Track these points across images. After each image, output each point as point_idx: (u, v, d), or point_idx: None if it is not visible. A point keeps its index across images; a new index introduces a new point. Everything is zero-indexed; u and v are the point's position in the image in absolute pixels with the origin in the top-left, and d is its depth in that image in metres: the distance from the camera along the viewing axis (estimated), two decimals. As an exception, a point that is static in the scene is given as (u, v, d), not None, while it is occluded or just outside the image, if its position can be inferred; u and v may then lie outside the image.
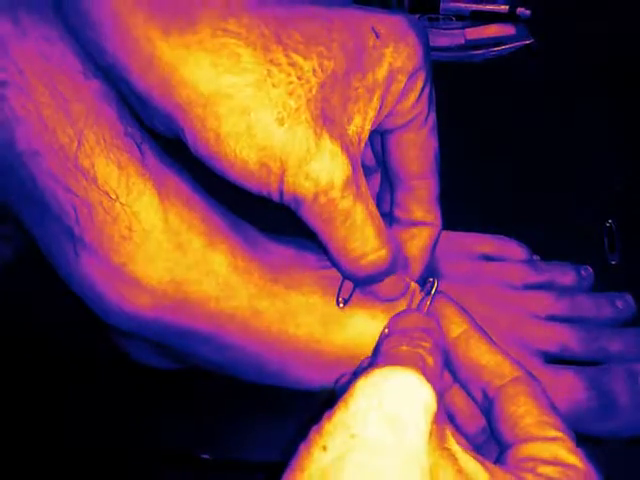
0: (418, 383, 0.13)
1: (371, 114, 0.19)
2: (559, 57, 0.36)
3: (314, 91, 0.18)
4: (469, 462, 0.14)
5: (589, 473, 0.15)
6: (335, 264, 0.21)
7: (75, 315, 0.24)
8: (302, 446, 0.13)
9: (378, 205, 0.20)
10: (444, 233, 0.24)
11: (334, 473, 0.12)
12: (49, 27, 0.19)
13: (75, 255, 0.21)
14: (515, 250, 0.28)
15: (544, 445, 0.16)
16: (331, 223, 0.19)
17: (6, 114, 0.19)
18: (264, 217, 0.24)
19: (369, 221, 0.19)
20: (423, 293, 0.23)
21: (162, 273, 0.21)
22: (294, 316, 0.23)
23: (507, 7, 0.37)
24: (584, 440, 0.17)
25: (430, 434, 0.13)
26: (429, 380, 0.14)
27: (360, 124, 0.19)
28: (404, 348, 0.18)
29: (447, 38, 0.37)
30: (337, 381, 0.22)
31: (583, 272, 0.27)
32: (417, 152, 0.22)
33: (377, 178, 0.25)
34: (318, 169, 0.18)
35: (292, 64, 0.18)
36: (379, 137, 0.23)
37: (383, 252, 0.20)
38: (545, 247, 0.28)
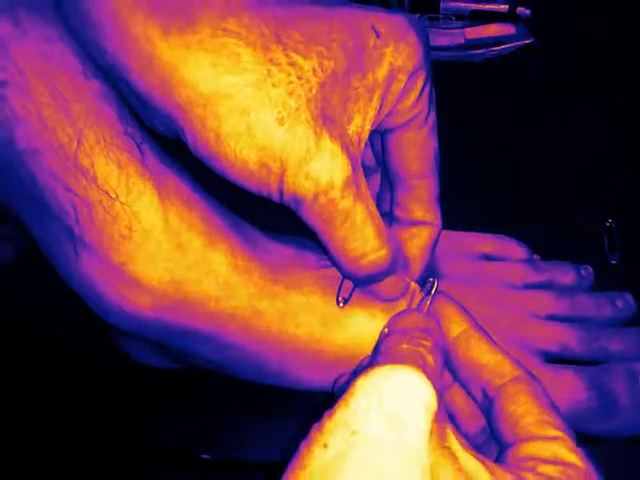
0: (419, 381, 0.13)
1: (371, 114, 0.19)
2: (559, 57, 0.36)
3: (314, 91, 0.18)
4: (469, 461, 0.14)
5: (589, 472, 0.15)
6: (335, 264, 0.21)
7: (75, 315, 0.24)
8: (303, 444, 0.13)
9: (378, 205, 0.20)
10: (444, 233, 0.24)
11: (335, 471, 0.12)
12: (49, 27, 0.19)
13: (75, 255, 0.21)
14: (515, 250, 0.28)
15: (544, 444, 0.16)
16: (331, 223, 0.19)
17: (6, 114, 0.19)
18: (264, 217, 0.24)
19: (369, 221, 0.19)
20: (423, 293, 0.23)
21: (162, 273, 0.21)
22: (294, 316, 0.23)
23: (507, 7, 0.37)
24: (584, 440, 0.17)
25: (431, 433, 0.13)
26: (429, 379, 0.14)
27: (360, 124, 0.19)
28: (405, 347, 0.18)
29: (447, 37, 0.37)
30: (336, 381, 0.22)
31: (583, 272, 0.27)
32: (417, 151, 0.21)
33: (377, 178, 0.25)
34: (318, 169, 0.18)
35: (292, 64, 0.18)
36: (379, 137, 0.23)
37: (383, 252, 0.20)
38: (545, 247, 0.28)
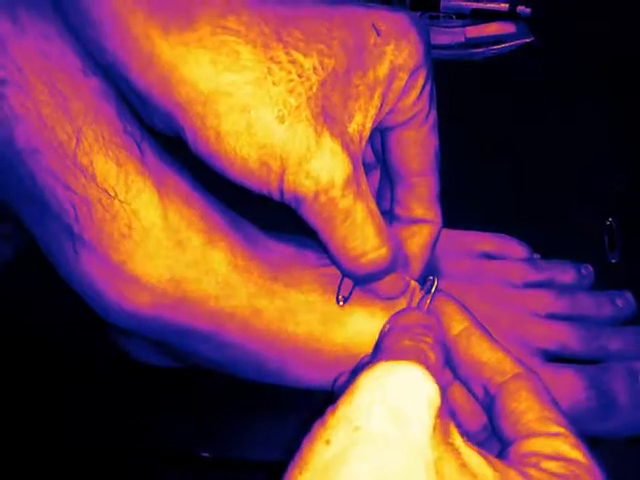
0: (422, 377, 0.13)
1: (372, 112, 0.19)
2: (560, 55, 0.36)
3: (314, 89, 0.18)
4: (473, 456, 0.14)
5: (592, 468, 0.15)
6: (335, 262, 0.21)
7: (75, 313, 0.24)
8: (305, 441, 0.13)
9: (378, 202, 0.20)
10: (444, 231, 0.24)
11: (337, 467, 0.12)
12: (48, 25, 0.19)
13: (74, 253, 0.21)
14: (515, 248, 0.28)
15: (546, 441, 0.16)
16: (331, 222, 0.19)
17: (5, 112, 0.19)
18: (264, 215, 0.24)
19: (369, 220, 0.19)
20: (423, 291, 0.23)
21: (161, 271, 0.21)
22: (294, 314, 0.23)
23: (507, 5, 0.37)
24: (584, 439, 0.17)
25: (434, 428, 0.13)
26: (432, 375, 0.14)
27: (361, 122, 0.19)
28: (407, 343, 0.18)
29: (447, 36, 0.37)
30: (335, 380, 0.22)
31: (583, 270, 0.27)
32: (417, 150, 0.21)
33: (376, 175, 0.25)
34: (319, 167, 0.18)
35: (292, 62, 0.18)
36: (379, 135, 0.22)
37: (383, 251, 0.20)
38: (545, 245, 0.28)
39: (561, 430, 0.16)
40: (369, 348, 0.21)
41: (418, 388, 0.13)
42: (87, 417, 0.26)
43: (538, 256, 0.28)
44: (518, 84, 0.35)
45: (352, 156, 0.19)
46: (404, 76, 0.19)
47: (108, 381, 0.26)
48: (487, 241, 0.28)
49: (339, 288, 0.23)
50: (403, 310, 0.21)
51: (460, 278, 0.26)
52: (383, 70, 0.19)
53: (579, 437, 0.16)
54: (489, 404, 0.19)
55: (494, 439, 0.19)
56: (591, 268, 0.27)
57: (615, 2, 0.38)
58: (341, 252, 0.20)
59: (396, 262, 0.21)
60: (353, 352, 0.23)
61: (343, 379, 0.22)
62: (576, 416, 0.22)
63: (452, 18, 0.38)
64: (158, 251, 0.21)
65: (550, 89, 0.35)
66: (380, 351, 0.18)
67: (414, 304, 0.23)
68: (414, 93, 0.20)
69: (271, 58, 0.17)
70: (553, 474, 0.15)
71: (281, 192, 0.18)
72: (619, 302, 0.26)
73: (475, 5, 0.37)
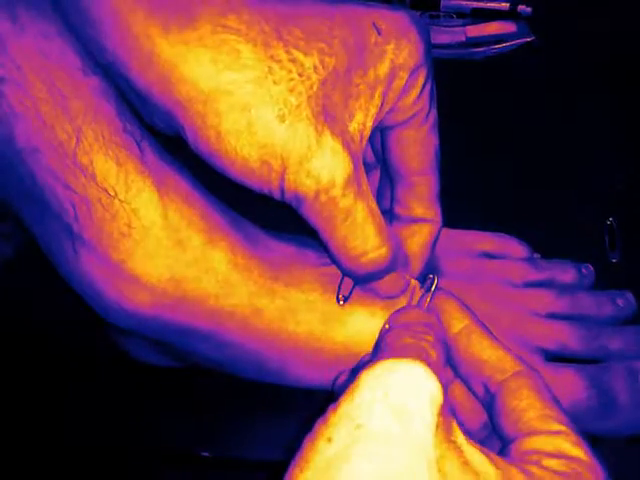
0: (424, 375, 0.13)
1: (372, 111, 0.19)
2: (560, 55, 0.36)
3: (315, 88, 0.18)
4: (475, 454, 0.14)
5: (593, 465, 0.15)
6: (335, 262, 0.21)
7: (75, 313, 0.24)
8: (307, 438, 0.13)
9: (378, 202, 0.20)
10: (445, 231, 0.24)
11: (339, 464, 0.12)
12: (47, 23, 0.19)
13: (74, 252, 0.21)
14: (516, 248, 0.28)
15: (548, 438, 0.16)
16: (332, 221, 0.19)
17: (4, 110, 0.19)
18: (264, 214, 0.23)
19: (370, 219, 0.19)
20: (423, 290, 0.23)
21: (161, 270, 0.21)
22: (294, 313, 0.22)
23: (508, 4, 0.37)
24: (585, 437, 0.17)
25: (437, 426, 0.13)
26: (434, 373, 0.14)
27: (362, 121, 0.19)
28: (408, 340, 0.18)
29: (448, 35, 0.37)
30: (336, 379, 0.22)
31: (584, 270, 0.27)
32: (418, 149, 0.21)
33: (376, 174, 0.25)
34: (319, 167, 0.18)
35: (293, 60, 0.18)
36: (379, 134, 0.22)
37: (383, 250, 0.20)
38: (546, 245, 0.28)
39: (562, 428, 0.16)
40: (369, 347, 0.21)
41: (420, 385, 0.13)
42: (87, 417, 0.26)
43: (538, 255, 0.28)
44: (518, 83, 0.35)
45: (353, 155, 0.19)
46: (404, 75, 0.19)
47: (108, 380, 0.26)
48: (487, 240, 0.28)
49: (339, 287, 0.23)
50: (403, 308, 0.21)
51: (460, 277, 0.26)
52: (384, 69, 0.19)
53: (580, 435, 0.16)
54: (490, 402, 0.19)
55: (494, 437, 0.19)
56: (591, 268, 0.27)
57: (615, 2, 0.38)
58: (341, 251, 0.20)
59: (396, 261, 0.21)
60: (353, 351, 0.22)
61: (343, 378, 0.22)
62: (576, 415, 0.22)
63: (452, 17, 0.38)
64: (158, 250, 0.21)
65: (551, 89, 0.35)
66: (381, 349, 0.18)
67: (414, 302, 0.23)
68: (414, 92, 0.20)
69: (272, 57, 0.17)
70: (555, 472, 0.15)
71: (282, 191, 0.18)
72: (619, 302, 0.26)
73: (475, 4, 0.37)
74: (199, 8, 0.17)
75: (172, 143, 0.20)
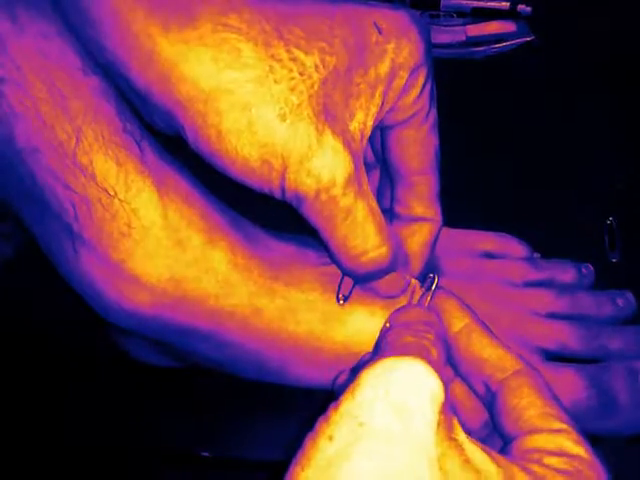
0: (425, 373, 0.13)
1: (373, 110, 0.19)
2: (560, 54, 0.36)
3: (316, 87, 0.18)
4: (476, 452, 0.14)
5: (594, 464, 0.15)
6: (335, 261, 0.21)
7: (75, 313, 0.23)
8: (308, 437, 0.13)
9: (378, 201, 0.20)
10: (445, 230, 0.24)
11: (340, 463, 0.12)
12: (47, 23, 0.19)
13: (74, 252, 0.21)
14: (516, 248, 0.28)
15: (549, 437, 0.16)
16: (332, 220, 0.19)
17: (4, 111, 0.19)
18: (264, 214, 0.23)
19: (370, 218, 0.19)
20: (423, 289, 0.23)
21: (161, 270, 0.21)
22: (294, 313, 0.22)
23: (508, 4, 0.37)
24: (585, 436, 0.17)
25: (438, 424, 0.13)
26: (435, 371, 0.14)
27: (362, 120, 0.19)
28: (409, 339, 0.18)
29: (448, 35, 0.37)
30: (336, 378, 0.22)
31: (584, 270, 0.27)
32: (418, 149, 0.21)
33: (376, 174, 0.25)
34: (320, 166, 0.18)
35: (294, 60, 0.18)
36: (379, 133, 0.22)
37: (384, 250, 0.20)
38: (546, 245, 0.28)
39: (563, 426, 0.16)
40: (369, 347, 0.21)
41: (422, 384, 0.13)
42: (87, 417, 0.26)
43: (538, 255, 0.28)
44: (518, 83, 0.35)
45: (353, 154, 0.18)
46: (405, 74, 0.19)
47: (108, 380, 0.26)
48: (487, 240, 0.28)
49: (339, 287, 0.23)
50: (403, 307, 0.21)
51: (460, 277, 0.26)
52: (384, 68, 0.19)
53: (581, 433, 0.16)
54: (490, 401, 0.19)
55: (495, 436, 0.19)
56: (591, 267, 0.27)
57: (615, 2, 0.38)
58: (342, 251, 0.20)
59: (396, 261, 0.21)
60: (353, 351, 0.22)
61: (343, 378, 0.22)
62: (576, 415, 0.22)
63: (452, 17, 0.38)
64: (158, 250, 0.21)
65: (551, 88, 0.35)
66: (382, 348, 0.18)
67: (414, 302, 0.23)
68: (414, 92, 0.20)
69: (272, 56, 0.17)
70: (556, 470, 0.15)
71: (282, 190, 0.18)
72: (619, 301, 0.26)
73: (476, 4, 0.37)
74: (199, 7, 0.17)
75: (172, 143, 0.20)
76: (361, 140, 0.19)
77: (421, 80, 0.20)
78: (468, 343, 0.20)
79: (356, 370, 0.14)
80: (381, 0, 0.21)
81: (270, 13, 0.18)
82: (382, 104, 0.19)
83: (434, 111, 0.21)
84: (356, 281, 0.22)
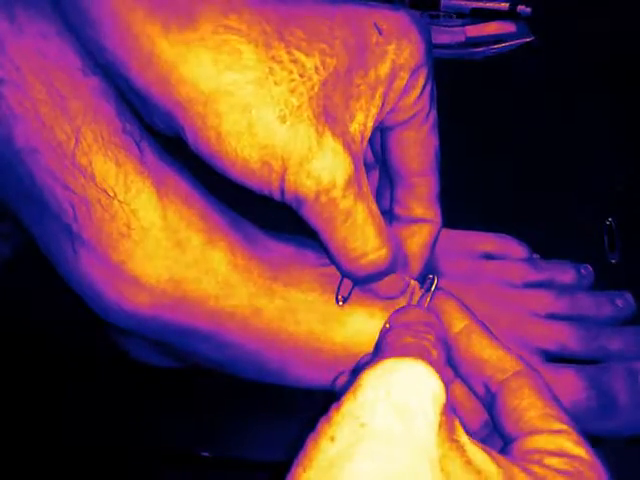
0: (426, 373, 0.13)
1: (373, 111, 0.19)
2: (560, 55, 0.36)
3: (316, 88, 0.18)
4: (477, 453, 0.14)
5: (595, 464, 0.16)
6: (335, 263, 0.21)
7: (74, 313, 0.23)
8: (310, 438, 0.13)
9: (377, 202, 0.20)
10: (444, 231, 0.24)
11: (342, 463, 0.12)
12: (46, 23, 0.19)
13: (74, 253, 0.21)
14: (515, 248, 0.28)
15: (549, 437, 0.16)
16: (332, 222, 0.19)
17: (4, 111, 0.19)
18: (264, 215, 0.23)
19: (370, 220, 0.19)
20: (423, 290, 0.23)
21: (161, 271, 0.21)
22: (293, 313, 0.22)
23: (508, 4, 0.37)
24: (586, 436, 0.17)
25: (439, 425, 0.13)
26: (436, 372, 0.14)
27: (362, 121, 0.19)
28: (409, 340, 0.18)
29: (448, 35, 0.37)
30: (335, 379, 0.22)
31: (583, 271, 0.27)
32: (418, 150, 0.21)
33: (376, 175, 0.25)
34: (320, 168, 0.18)
35: (294, 61, 0.18)
36: (378, 134, 0.22)
37: (383, 251, 0.20)
38: (545, 245, 0.28)
39: (564, 427, 0.16)
40: (369, 348, 0.21)
41: (423, 384, 0.13)
42: (86, 417, 0.26)
43: (538, 256, 0.28)
44: (518, 83, 0.35)
45: (353, 156, 0.18)
46: (405, 75, 0.19)
47: (107, 381, 0.26)
48: (487, 241, 0.28)
49: (338, 288, 0.23)
50: (403, 308, 0.21)
51: (460, 278, 0.26)
52: (384, 69, 0.19)
53: (581, 434, 0.16)
54: (490, 402, 0.19)
55: (495, 436, 0.19)
56: (591, 268, 0.27)
57: (615, 2, 0.38)
58: (341, 253, 0.20)
59: (396, 263, 0.21)
60: (353, 351, 0.22)
61: (343, 378, 0.22)
62: (576, 416, 0.22)
63: (452, 17, 0.38)
64: (157, 251, 0.21)
65: (550, 88, 0.35)
66: (382, 349, 0.18)
67: (414, 303, 0.23)
68: (415, 92, 0.20)
69: (273, 57, 0.17)
70: (557, 470, 0.15)
71: (282, 192, 0.18)
72: (619, 302, 0.26)
73: (475, 4, 0.37)
74: (200, 8, 0.17)
75: (172, 143, 0.20)
76: (361, 141, 0.19)
77: (421, 81, 0.20)
78: (468, 344, 0.20)
79: (356, 371, 0.14)
80: (381, 1, 0.21)
81: (271, 14, 0.18)
82: (382, 105, 0.19)
83: (434, 112, 0.21)
84: (355, 282, 0.22)
